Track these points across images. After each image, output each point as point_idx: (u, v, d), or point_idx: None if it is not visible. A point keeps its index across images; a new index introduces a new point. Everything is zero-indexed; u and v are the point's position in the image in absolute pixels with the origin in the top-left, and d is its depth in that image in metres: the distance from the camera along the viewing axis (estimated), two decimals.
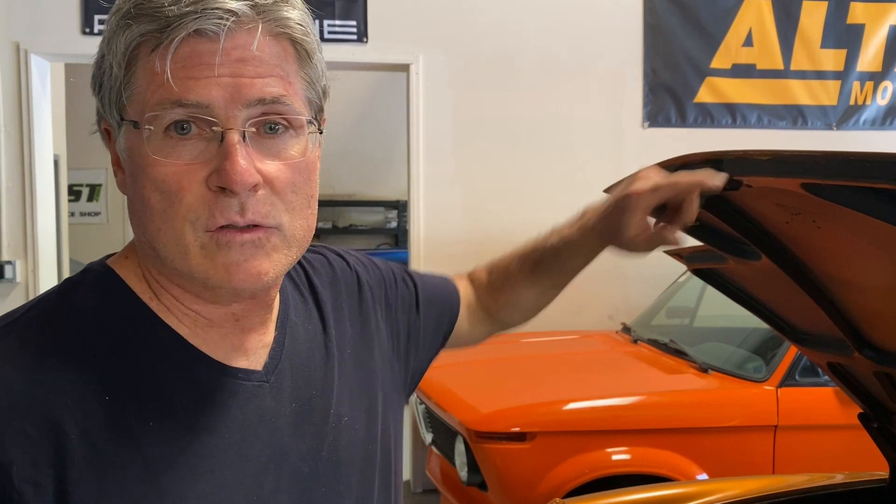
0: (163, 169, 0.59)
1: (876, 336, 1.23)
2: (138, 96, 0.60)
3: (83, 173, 7.82)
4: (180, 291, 0.65)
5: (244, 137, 0.60)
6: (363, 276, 0.88)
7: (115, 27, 0.60)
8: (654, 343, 3.40)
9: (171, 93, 0.58)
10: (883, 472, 1.56)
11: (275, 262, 0.63)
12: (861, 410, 1.50)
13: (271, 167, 0.61)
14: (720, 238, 1.22)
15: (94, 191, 8.22)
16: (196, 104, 0.59)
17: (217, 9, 0.58)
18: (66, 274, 5.28)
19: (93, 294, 0.65)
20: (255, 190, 0.60)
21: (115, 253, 0.72)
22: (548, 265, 1.03)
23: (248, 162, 0.59)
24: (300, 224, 0.64)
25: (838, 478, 1.72)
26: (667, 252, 1.60)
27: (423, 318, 0.94)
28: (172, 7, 0.58)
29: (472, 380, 3.27)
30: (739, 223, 1.08)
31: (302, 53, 0.64)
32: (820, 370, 2.13)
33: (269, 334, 0.71)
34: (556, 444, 2.71)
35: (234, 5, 0.59)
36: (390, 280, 0.91)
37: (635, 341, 3.51)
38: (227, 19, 0.58)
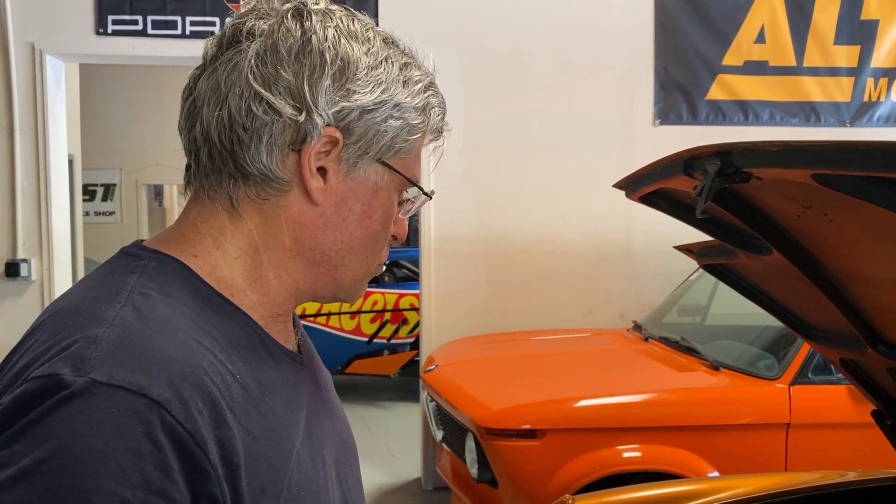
0: (397, 222, 0.81)
1: (889, 332, 1.22)
2: (407, 161, 0.79)
3: (97, 173, 7.88)
4: (267, 289, 0.75)
5: None
6: None
7: (437, 102, 0.82)
8: (665, 341, 3.39)
9: (419, 173, 0.82)
10: None
11: None
12: (874, 408, 1.49)
13: None
14: (731, 232, 1.22)
15: (108, 190, 8.28)
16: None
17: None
18: (81, 272, 5.32)
19: (181, 286, 0.70)
20: None
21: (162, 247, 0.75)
22: None
23: None
24: None
25: (851, 475, 1.71)
26: (677, 248, 1.59)
27: None
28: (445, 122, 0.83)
29: (483, 377, 3.27)
30: (750, 217, 1.08)
31: None
32: (833, 368, 2.11)
33: (291, 326, 0.82)
34: (566, 441, 2.71)
35: None
36: None
37: (646, 339, 3.50)
38: None
